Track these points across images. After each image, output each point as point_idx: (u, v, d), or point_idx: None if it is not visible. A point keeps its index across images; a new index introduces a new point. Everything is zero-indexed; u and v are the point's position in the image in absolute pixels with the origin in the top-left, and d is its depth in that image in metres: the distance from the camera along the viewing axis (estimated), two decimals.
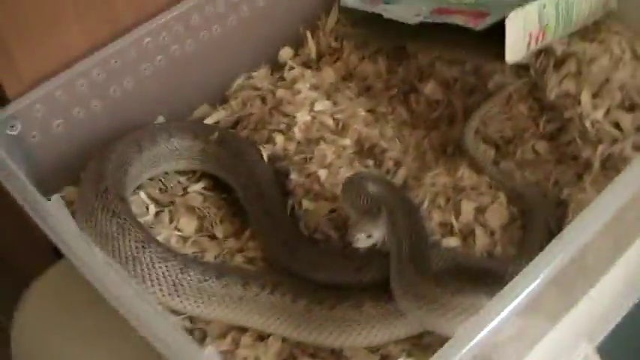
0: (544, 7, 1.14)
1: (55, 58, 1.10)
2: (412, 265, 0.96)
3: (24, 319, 1.12)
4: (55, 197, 0.98)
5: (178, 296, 1.00)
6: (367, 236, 0.96)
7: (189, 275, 1.00)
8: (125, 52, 1.13)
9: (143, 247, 1.00)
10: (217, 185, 1.20)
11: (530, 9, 1.13)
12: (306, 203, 1.11)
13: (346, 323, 0.98)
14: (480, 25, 1.14)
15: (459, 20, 1.16)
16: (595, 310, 1.10)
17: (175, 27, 1.17)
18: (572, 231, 0.88)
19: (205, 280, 1.00)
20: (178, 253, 1.03)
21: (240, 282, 1.01)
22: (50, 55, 1.09)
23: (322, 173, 1.11)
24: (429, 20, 1.19)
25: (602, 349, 1.11)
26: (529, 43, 1.15)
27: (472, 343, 0.78)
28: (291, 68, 1.30)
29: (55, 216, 0.94)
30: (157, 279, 0.99)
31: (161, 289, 0.99)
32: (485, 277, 0.99)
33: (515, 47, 1.14)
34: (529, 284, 0.83)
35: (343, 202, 1.04)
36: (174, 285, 0.99)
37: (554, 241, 0.87)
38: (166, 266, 0.99)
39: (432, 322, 0.92)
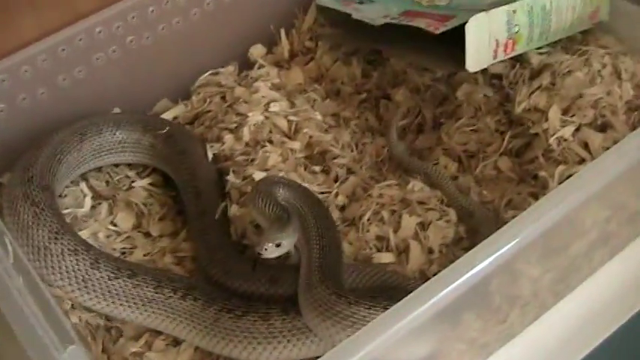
0: (514, 12, 1.05)
1: (3, 44, 1.07)
2: (322, 279, 0.88)
3: None
4: None
5: (87, 293, 0.95)
6: (276, 245, 0.89)
7: (100, 271, 0.95)
8: (74, 41, 1.09)
9: (56, 237, 0.96)
10: (168, 182, 1.15)
11: (496, 15, 1.04)
12: (234, 208, 1.04)
13: (252, 335, 0.91)
14: (440, 28, 1.05)
15: (421, 23, 1.08)
16: (545, 346, 1.01)
17: (130, 18, 1.12)
18: (481, 250, 0.80)
19: (116, 278, 0.95)
20: (93, 247, 0.98)
21: (153, 284, 0.95)
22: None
23: (258, 176, 1.04)
24: (395, 22, 1.11)
25: None
26: (495, 51, 1.06)
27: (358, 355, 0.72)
28: (261, 66, 1.23)
29: None
30: (67, 272, 0.95)
31: (70, 284, 0.95)
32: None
33: (479, 55, 1.05)
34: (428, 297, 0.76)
35: (252, 208, 0.98)
36: (83, 280, 0.95)
37: (461, 259, 0.79)
38: (77, 259, 0.95)
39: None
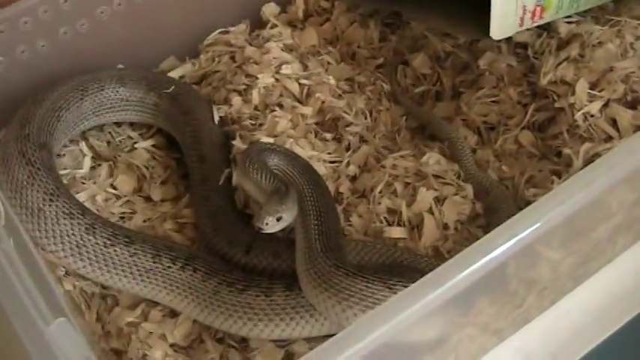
0: None
1: None
2: (324, 249, 0.82)
3: None
4: None
5: (82, 259, 0.89)
6: (277, 219, 0.83)
7: (95, 237, 0.89)
8: None
9: (50, 199, 0.90)
10: (173, 144, 1.08)
11: None
12: (235, 175, 0.98)
13: (253, 311, 0.85)
14: None
15: None
16: (561, 332, 0.94)
17: None
18: (504, 230, 0.72)
19: (112, 246, 0.89)
20: (89, 211, 0.92)
21: (151, 253, 0.89)
22: None
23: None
24: None
25: None
26: (522, 18, 0.98)
27: (371, 337, 0.66)
28: (274, 26, 1.16)
29: None
30: (61, 237, 0.89)
31: (63, 249, 0.89)
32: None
33: (505, 22, 0.98)
34: (444, 280, 0.69)
35: (242, 179, 0.91)
36: (77, 246, 0.89)
37: (480, 240, 0.72)
38: (71, 224, 0.89)
39: (350, 319, 0.78)
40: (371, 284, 0.77)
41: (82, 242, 0.89)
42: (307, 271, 0.81)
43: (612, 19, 1.04)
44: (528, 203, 0.90)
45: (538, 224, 0.73)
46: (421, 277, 0.71)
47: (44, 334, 0.70)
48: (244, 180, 0.90)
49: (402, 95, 1.08)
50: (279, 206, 0.83)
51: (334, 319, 0.79)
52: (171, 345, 0.88)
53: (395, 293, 0.76)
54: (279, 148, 0.95)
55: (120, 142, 1.07)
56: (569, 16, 1.05)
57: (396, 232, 0.93)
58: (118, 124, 1.09)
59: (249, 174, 0.89)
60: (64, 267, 0.91)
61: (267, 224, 0.82)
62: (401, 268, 0.87)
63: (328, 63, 1.12)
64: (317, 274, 0.80)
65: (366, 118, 1.06)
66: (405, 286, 0.75)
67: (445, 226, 0.93)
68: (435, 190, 0.95)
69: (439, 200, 0.95)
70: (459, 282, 0.69)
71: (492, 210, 0.94)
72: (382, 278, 0.77)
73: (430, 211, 0.94)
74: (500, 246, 0.71)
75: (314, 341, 0.86)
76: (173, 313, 0.91)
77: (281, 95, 1.05)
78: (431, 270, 0.80)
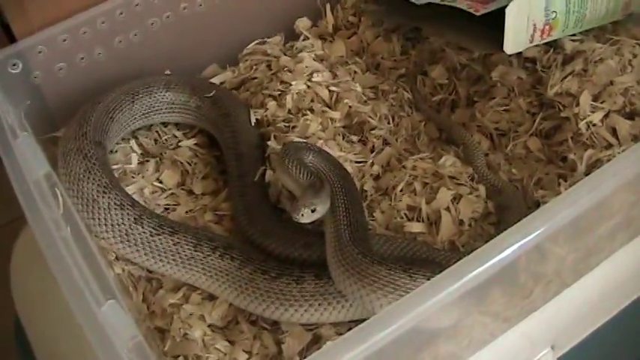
0: None
1: (64, 5, 0.98)
2: (352, 239, 0.80)
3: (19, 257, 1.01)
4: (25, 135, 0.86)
5: (130, 246, 0.87)
6: (312, 210, 0.81)
7: (143, 227, 0.87)
8: (131, 5, 1.00)
9: (104, 191, 0.88)
10: (213, 143, 1.05)
11: (536, 0, 0.93)
12: (269, 173, 0.95)
13: (285, 297, 0.83)
14: (481, 10, 0.95)
15: (463, 5, 0.97)
16: (561, 320, 0.92)
17: None
18: (518, 229, 0.71)
19: (158, 235, 0.87)
20: (138, 203, 0.89)
21: (193, 242, 0.87)
22: (60, 1, 0.97)
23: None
24: (437, 1, 1.01)
25: None
26: (532, 35, 0.95)
27: (397, 323, 0.65)
28: (306, 38, 1.13)
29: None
30: (112, 225, 0.87)
31: (114, 236, 0.88)
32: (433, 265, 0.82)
33: (517, 38, 0.95)
34: (463, 274, 0.67)
35: (281, 173, 0.89)
36: (126, 234, 0.87)
37: (496, 238, 0.70)
38: (122, 214, 0.87)
39: (373, 302, 0.76)
40: (394, 272, 0.75)
41: (130, 231, 0.87)
42: (336, 259, 0.79)
43: (612, 38, 1.02)
44: (536, 203, 0.90)
45: (547, 225, 0.71)
46: (438, 269, 0.70)
47: (97, 315, 0.69)
48: (283, 174, 0.88)
49: (422, 103, 1.05)
50: (314, 199, 0.81)
51: (359, 303, 0.77)
52: (209, 325, 0.86)
53: (415, 281, 0.74)
54: (314, 147, 0.92)
55: (165, 140, 1.05)
56: (573, 35, 1.02)
57: (416, 227, 0.90)
58: (165, 124, 1.06)
59: (288, 169, 0.87)
60: (114, 252, 0.89)
61: (302, 215, 0.80)
62: (420, 260, 0.84)
63: (355, 72, 1.09)
64: (345, 261, 0.77)
65: (389, 122, 1.03)
66: (425, 276, 0.73)
67: (460, 222, 0.91)
68: (450, 189, 0.93)
69: (455, 199, 0.92)
70: (476, 276, 0.67)
71: (504, 207, 0.92)
72: (404, 267, 0.75)
73: (447, 208, 0.91)
74: (514, 244, 0.69)
75: (339, 326, 0.84)
76: (211, 297, 0.88)
77: (312, 101, 1.02)
78: (447, 262, 0.79)
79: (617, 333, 1.02)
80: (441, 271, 0.68)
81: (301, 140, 0.96)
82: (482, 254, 0.68)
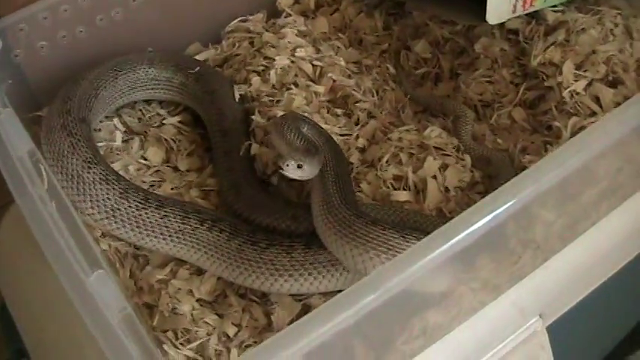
0: None
1: None
2: (343, 201, 0.79)
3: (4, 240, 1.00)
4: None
5: (116, 222, 0.86)
6: (298, 166, 0.79)
7: (129, 201, 0.85)
8: None
9: (89, 167, 0.86)
10: (198, 120, 1.04)
11: None
12: (256, 147, 0.94)
13: (275, 267, 0.82)
14: None
15: None
16: (549, 288, 0.91)
17: None
18: (506, 190, 0.69)
19: (144, 209, 0.85)
20: (123, 178, 0.88)
21: (180, 215, 0.86)
22: None
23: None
24: None
25: (553, 330, 0.92)
26: (515, 6, 0.95)
27: (388, 284, 0.64)
28: (288, 15, 1.12)
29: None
30: (97, 200, 0.86)
31: (99, 212, 0.86)
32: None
33: (499, 8, 0.94)
34: (451, 236, 0.66)
35: (276, 138, 0.87)
36: (112, 209, 0.86)
37: (485, 198, 0.69)
38: (107, 189, 0.85)
39: (366, 263, 0.75)
40: (387, 232, 0.74)
41: (116, 206, 0.85)
42: (327, 222, 0.78)
43: (593, 9, 1.02)
44: (523, 169, 0.89)
45: (534, 186, 0.70)
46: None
47: (85, 285, 0.68)
48: (279, 140, 0.87)
49: (406, 81, 1.04)
50: (303, 156, 0.80)
51: (351, 263, 0.76)
52: (198, 300, 0.85)
53: (407, 242, 0.74)
54: (309, 119, 0.92)
55: (149, 118, 1.04)
56: (555, 6, 1.02)
57: (402, 195, 0.89)
58: (148, 102, 1.05)
59: (285, 135, 0.86)
60: (100, 229, 0.87)
61: (288, 166, 0.79)
62: (409, 226, 0.84)
63: (338, 48, 1.08)
64: (337, 222, 0.77)
65: (373, 96, 1.02)
66: (417, 238, 0.73)
67: (447, 190, 0.90)
68: (438, 159, 0.92)
69: (442, 168, 0.92)
70: (467, 236, 0.66)
71: (493, 177, 0.91)
72: (396, 228, 0.74)
73: (434, 176, 0.90)
74: (502, 205, 0.68)
75: (329, 295, 0.82)
76: (200, 272, 0.87)
77: (296, 75, 1.02)
78: (436, 227, 0.78)
79: (606, 301, 1.02)
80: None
81: (296, 112, 0.95)
82: (472, 215, 0.67)
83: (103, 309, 0.66)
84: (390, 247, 0.74)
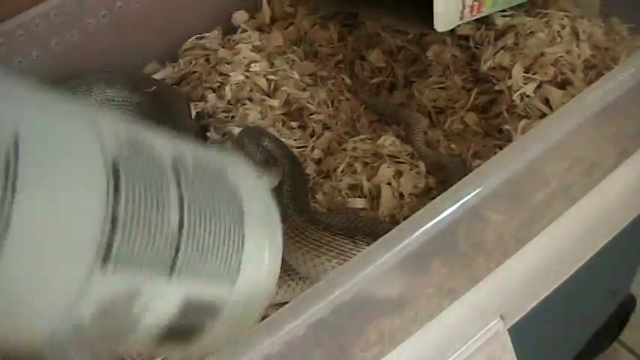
0: None
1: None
2: (298, 212, 0.81)
3: None
4: None
5: None
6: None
7: None
8: (65, 6, 0.99)
9: None
10: None
11: None
12: None
13: None
14: None
15: None
16: (509, 289, 0.92)
17: None
18: (448, 196, 0.70)
19: None
20: None
21: None
22: None
23: (236, 132, 0.95)
24: None
25: (515, 331, 0.93)
26: (462, 12, 0.96)
27: (338, 291, 0.63)
28: (244, 31, 1.13)
29: None
30: None
31: None
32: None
33: (447, 16, 0.96)
34: (400, 239, 0.66)
35: (236, 151, 0.88)
36: None
37: (427, 205, 0.69)
38: None
39: (318, 267, 0.77)
40: (338, 238, 0.76)
41: None
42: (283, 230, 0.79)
43: (541, 12, 1.03)
44: None
45: (479, 188, 0.71)
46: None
47: None
48: (239, 152, 0.88)
49: (361, 90, 1.06)
50: (262, 168, 0.82)
51: (304, 269, 0.77)
52: None
53: (357, 247, 0.75)
54: (270, 134, 0.94)
55: None
56: (504, 10, 1.03)
57: (358, 202, 0.90)
58: None
59: (246, 147, 0.88)
60: None
61: None
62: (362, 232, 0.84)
63: (293, 61, 1.09)
64: (290, 229, 0.78)
65: (328, 107, 1.03)
66: (367, 243, 0.73)
67: (401, 196, 0.91)
68: (392, 167, 0.93)
69: (396, 175, 0.93)
70: (413, 240, 0.67)
71: (446, 182, 0.92)
72: (347, 234, 0.76)
73: (388, 183, 0.91)
74: (448, 208, 0.69)
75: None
76: None
77: (251, 90, 1.03)
78: (387, 232, 0.79)
79: (569, 300, 1.03)
80: None
81: (258, 126, 0.96)
82: (420, 218, 0.68)
83: None
84: (342, 251, 0.75)
